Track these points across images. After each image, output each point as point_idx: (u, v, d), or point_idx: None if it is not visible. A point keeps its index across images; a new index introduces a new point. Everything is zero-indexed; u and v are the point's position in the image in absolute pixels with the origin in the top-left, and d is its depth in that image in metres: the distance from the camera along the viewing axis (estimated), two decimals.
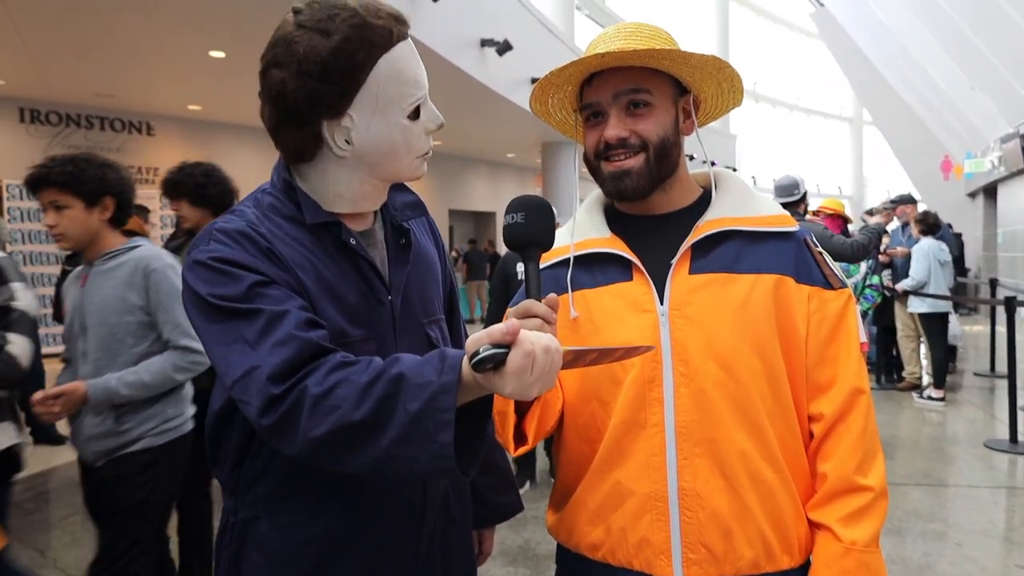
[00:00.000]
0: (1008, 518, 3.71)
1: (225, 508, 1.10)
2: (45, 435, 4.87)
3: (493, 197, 16.79)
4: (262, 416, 0.86)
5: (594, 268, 1.13)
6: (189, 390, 2.22)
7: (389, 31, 0.97)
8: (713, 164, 1.22)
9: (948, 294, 6.16)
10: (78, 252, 2.11)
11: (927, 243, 6.12)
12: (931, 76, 14.48)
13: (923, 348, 6.49)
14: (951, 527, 3.52)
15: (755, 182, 22.63)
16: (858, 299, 5.54)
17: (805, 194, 4.39)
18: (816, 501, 1.07)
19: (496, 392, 0.81)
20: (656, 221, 1.14)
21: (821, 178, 27.72)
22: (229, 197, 2.87)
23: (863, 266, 5.43)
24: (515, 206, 0.95)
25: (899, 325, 6.53)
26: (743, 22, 26.45)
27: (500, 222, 1.07)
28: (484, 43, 8.51)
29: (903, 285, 6.16)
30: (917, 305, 6.10)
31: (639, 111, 1.07)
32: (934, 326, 6.08)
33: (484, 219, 17.26)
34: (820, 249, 1.13)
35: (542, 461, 4.36)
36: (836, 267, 1.14)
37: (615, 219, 1.17)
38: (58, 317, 4.64)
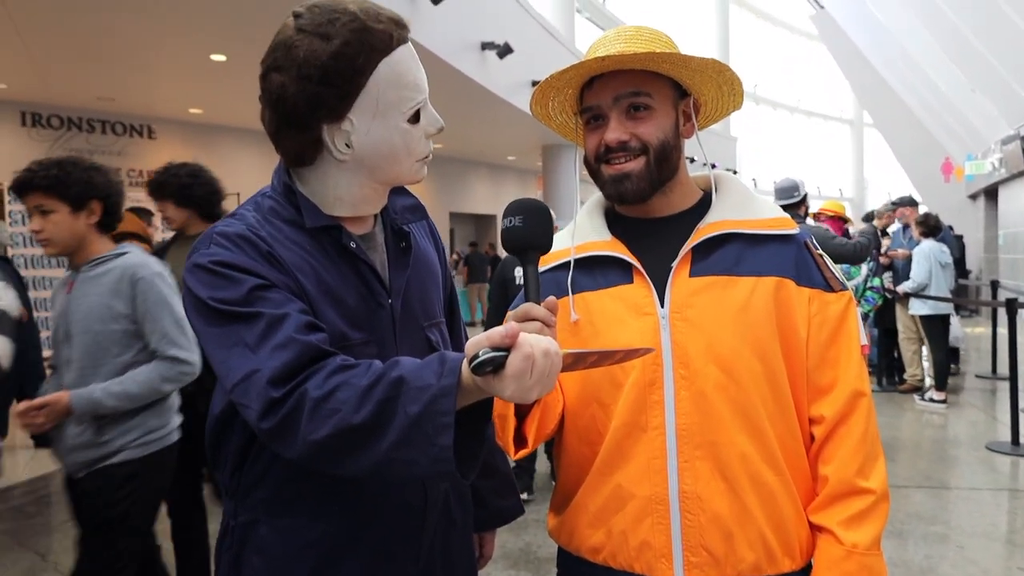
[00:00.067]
0: (1010, 520, 3.70)
1: (225, 512, 1.10)
2: (45, 439, 4.86)
3: (494, 200, 16.78)
4: (262, 419, 0.86)
5: (595, 271, 1.13)
6: (175, 400, 2.17)
7: (389, 35, 0.98)
8: (714, 166, 1.22)
9: (949, 296, 6.16)
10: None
11: (928, 245, 6.12)
12: (931, 78, 14.48)
13: (924, 350, 6.48)
14: (953, 529, 3.52)
15: (756, 184, 22.64)
16: (859, 301, 5.53)
17: (805, 196, 4.40)
18: (817, 504, 1.07)
19: (496, 395, 0.81)
20: (656, 224, 1.14)
21: (822, 180, 27.71)
22: (216, 198, 2.81)
23: (864, 268, 5.43)
24: (513, 209, 0.95)
25: (900, 327, 6.53)
26: (743, 24, 26.48)
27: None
28: (485, 46, 8.51)
29: (904, 287, 6.16)
30: (918, 307, 6.09)
31: (639, 114, 1.08)
32: (935, 328, 6.07)
33: (485, 222, 17.26)
34: (820, 251, 1.13)
35: (543, 464, 4.36)
36: (837, 269, 1.14)
37: (615, 222, 1.17)
38: None
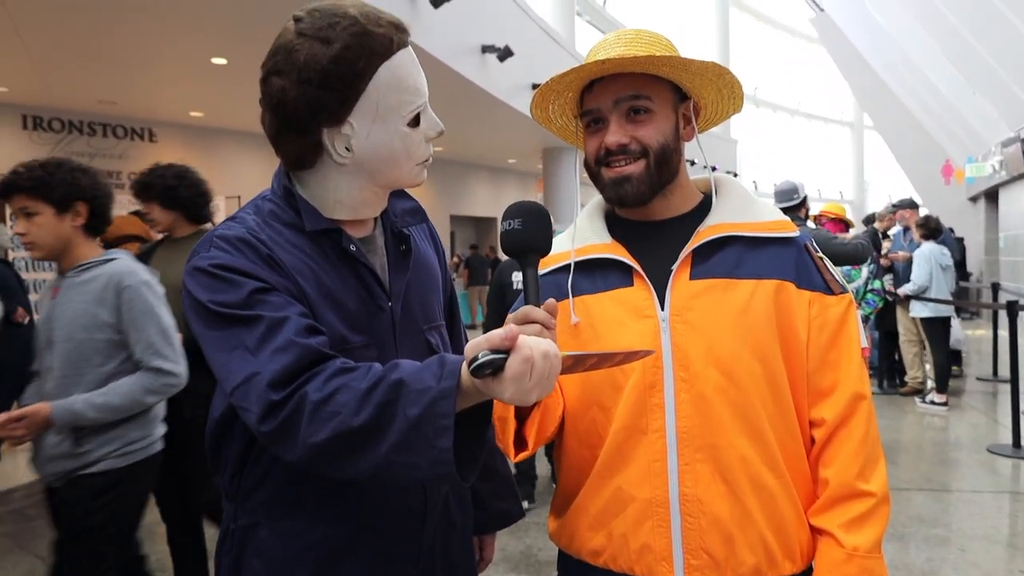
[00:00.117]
0: (1012, 523, 3.69)
1: (225, 515, 1.10)
2: None
3: (494, 203, 16.79)
4: (262, 422, 0.86)
5: (595, 274, 1.13)
6: (159, 410, 2.11)
7: (389, 39, 0.98)
8: (714, 169, 1.22)
9: (950, 298, 6.15)
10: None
11: (929, 247, 6.12)
12: (931, 80, 14.50)
13: (926, 353, 6.48)
14: (954, 532, 3.51)
15: (756, 187, 22.65)
16: (860, 304, 5.53)
17: (805, 198, 4.40)
18: (818, 507, 1.07)
19: (495, 397, 0.81)
20: (657, 227, 1.14)
21: (822, 183, 27.70)
22: (203, 200, 2.74)
23: (864, 271, 5.44)
24: (512, 212, 0.95)
25: (901, 330, 6.52)
26: (743, 27, 26.49)
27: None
28: (485, 49, 8.53)
29: (905, 289, 6.16)
30: (919, 309, 6.09)
31: (639, 117, 1.08)
32: (936, 330, 6.07)
33: (485, 224, 17.27)
34: (821, 254, 1.13)
35: (543, 468, 4.35)
36: (837, 272, 1.14)
37: (616, 225, 1.17)
38: None
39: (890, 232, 7.16)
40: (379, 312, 1.06)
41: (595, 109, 1.10)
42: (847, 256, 4.21)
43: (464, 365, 0.81)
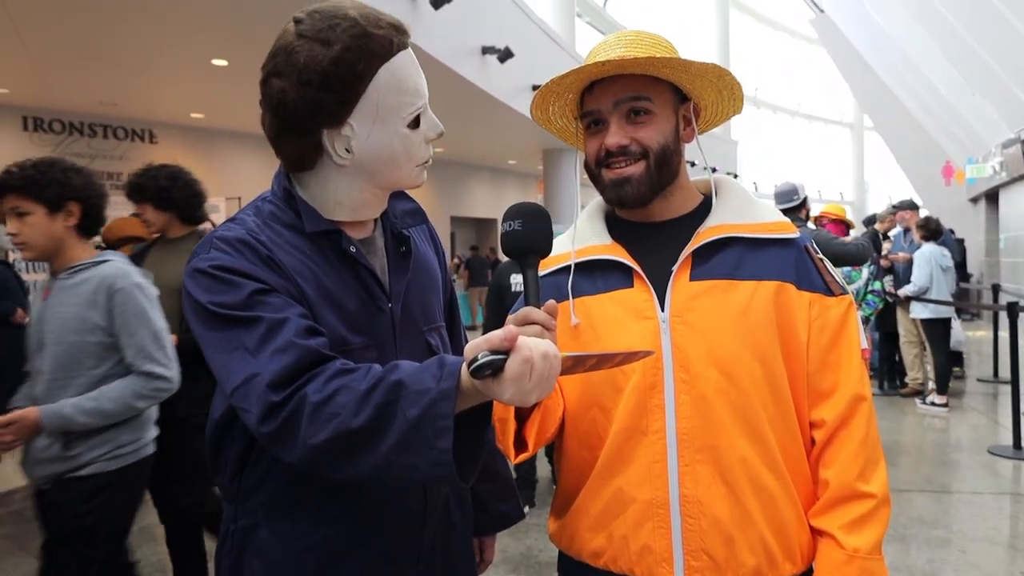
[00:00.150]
0: (1012, 524, 3.69)
1: (225, 516, 1.10)
2: None
3: (495, 204, 16.80)
4: (262, 423, 0.86)
5: (595, 275, 1.13)
6: (151, 413, 2.09)
7: (389, 41, 0.98)
8: (714, 170, 1.22)
9: (950, 299, 6.15)
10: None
11: (929, 248, 6.12)
12: (932, 81, 14.49)
13: (926, 354, 6.48)
14: (955, 534, 3.51)
15: (756, 188, 22.64)
16: (860, 305, 5.53)
17: (805, 199, 4.40)
18: (818, 508, 1.07)
19: (495, 398, 0.81)
20: (657, 228, 1.14)
21: (822, 184, 27.70)
22: (196, 201, 2.72)
23: (865, 272, 5.43)
24: (512, 214, 0.96)
25: (901, 331, 6.52)
26: (743, 28, 26.50)
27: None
28: (485, 50, 8.53)
29: (905, 291, 6.15)
30: (919, 311, 6.09)
31: (640, 119, 1.08)
32: (936, 332, 6.07)
33: (486, 226, 17.27)
34: (821, 255, 1.13)
35: (544, 469, 4.35)
36: (837, 273, 1.14)
37: (616, 226, 1.17)
38: None
39: (890, 233, 7.16)
40: (379, 313, 1.06)
41: (595, 110, 1.10)
42: (847, 257, 4.21)
43: (464, 366, 0.81)
